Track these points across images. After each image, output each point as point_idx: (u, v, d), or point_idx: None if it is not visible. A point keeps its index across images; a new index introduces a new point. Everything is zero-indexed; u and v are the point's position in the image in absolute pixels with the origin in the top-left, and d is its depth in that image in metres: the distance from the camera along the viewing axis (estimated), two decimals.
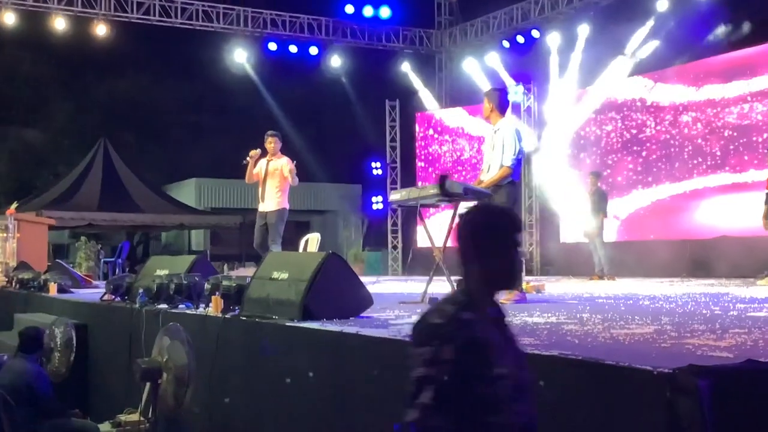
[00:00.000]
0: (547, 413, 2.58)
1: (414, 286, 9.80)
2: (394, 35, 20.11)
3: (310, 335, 4.56)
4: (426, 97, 19.85)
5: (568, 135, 16.66)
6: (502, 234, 2.35)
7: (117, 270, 17.73)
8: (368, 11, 19.53)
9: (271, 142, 9.61)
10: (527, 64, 17.64)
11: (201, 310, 5.95)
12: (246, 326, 5.23)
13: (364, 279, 5.76)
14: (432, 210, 8.26)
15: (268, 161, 9.58)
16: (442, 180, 6.46)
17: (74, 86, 28.78)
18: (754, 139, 13.29)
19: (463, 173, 17.93)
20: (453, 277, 6.77)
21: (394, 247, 20.00)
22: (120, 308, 7.21)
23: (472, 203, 6.79)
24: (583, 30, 16.40)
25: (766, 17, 13.60)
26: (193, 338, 5.32)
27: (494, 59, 18.12)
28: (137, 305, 6.65)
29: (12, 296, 11.00)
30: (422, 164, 19.59)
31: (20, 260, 12.39)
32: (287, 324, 4.81)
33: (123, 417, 6.24)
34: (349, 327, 4.43)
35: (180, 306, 6.26)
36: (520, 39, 18.07)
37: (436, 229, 7.41)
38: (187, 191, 27.73)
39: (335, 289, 5.09)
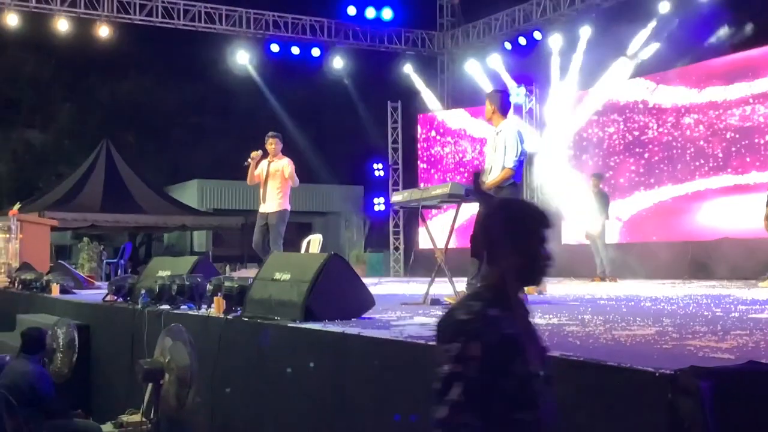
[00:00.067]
0: None
1: (416, 287, 9.81)
2: (396, 37, 20.11)
3: (312, 336, 4.56)
4: (428, 98, 19.86)
5: (569, 137, 16.66)
6: (530, 229, 2.32)
7: (119, 271, 17.76)
8: (370, 13, 19.54)
9: (272, 144, 9.61)
10: (529, 66, 17.64)
11: (203, 311, 5.96)
12: (248, 327, 5.23)
13: (365, 280, 5.77)
14: (434, 211, 8.26)
15: (270, 162, 9.58)
16: (476, 177, 6.52)
17: (77, 87, 28.81)
18: (756, 141, 13.29)
19: (465, 175, 17.94)
20: (455, 278, 6.79)
21: (396, 249, 20.01)
22: (122, 309, 7.22)
23: (474, 204, 6.85)
24: (585, 32, 16.39)
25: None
26: (195, 339, 5.32)
27: (496, 61, 18.12)
28: (139, 306, 6.66)
29: (14, 297, 11.02)
30: (424, 166, 19.60)
31: (23, 261, 12.41)
32: (289, 325, 4.82)
33: (125, 417, 6.24)
34: (351, 328, 4.44)
35: (182, 307, 6.27)
36: (522, 41, 18.07)
37: (438, 230, 7.42)
38: (189, 192, 27.76)
39: (337, 290, 5.10)
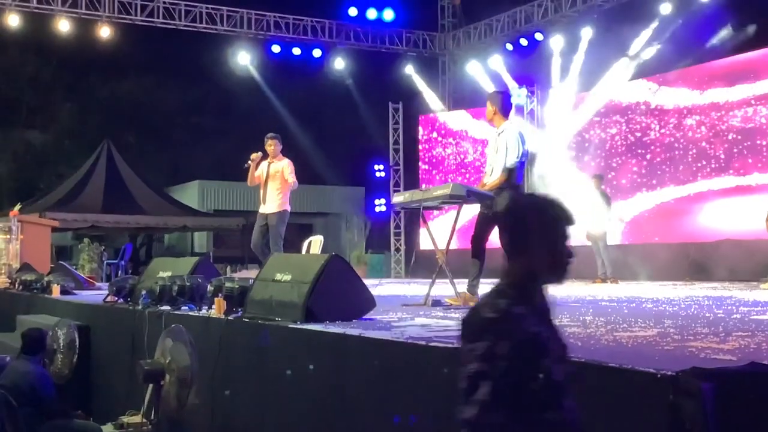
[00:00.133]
0: None
1: (417, 288, 9.81)
2: (398, 38, 20.11)
3: (312, 337, 4.56)
4: (429, 99, 19.86)
5: (571, 138, 16.65)
6: (554, 225, 2.28)
7: (120, 272, 17.74)
8: (372, 14, 19.55)
9: (271, 145, 9.61)
10: (530, 67, 17.65)
11: (204, 311, 5.95)
12: (249, 328, 5.23)
13: (366, 281, 5.76)
14: (435, 212, 8.25)
15: (269, 164, 9.58)
16: (509, 173, 6.59)
17: (78, 88, 28.84)
18: (758, 142, 13.28)
19: (467, 176, 17.94)
20: (456, 279, 6.78)
21: (397, 250, 20.01)
22: (123, 310, 7.21)
23: (476, 205, 6.85)
24: (587, 33, 16.40)
25: None
26: (195, 340, 5.32)
27: (497, 62, 18.12)
28: (140, 307, 6.65)
29: (15, 298, 11.02)
30: (425, 167, 19.60)
31: (23, 262, 12.41)
32: (290, 326, 4.81)
33: (126, 418, 6.23)
34: (352, 329, 4.43)
35: (183, 308, 6.26)
36: (524, 42, 18.08)
37: (439, 231, 7.41)
38: (190, 193, 27.77)
39: (338, 291, 5.09)
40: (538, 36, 17.67)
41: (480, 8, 19.55)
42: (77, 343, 7.42)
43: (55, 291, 9.51)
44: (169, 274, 6.89)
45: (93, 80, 28.68)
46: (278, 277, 5.36)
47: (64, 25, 16.85)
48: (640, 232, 15.06)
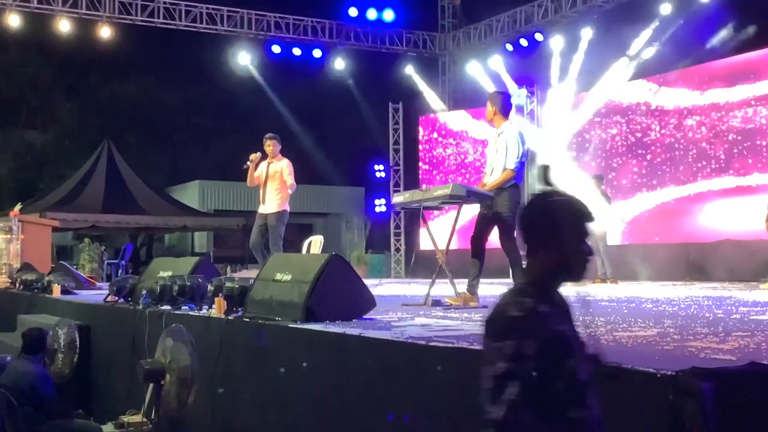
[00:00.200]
0: None
1: (417, 288, 9.82)
2: (398, 38, 20.12)
3: (312, 337, 4.56)
4: (430, 99, 19.87)
5: (571, 138, 16.65)
6: (575, 223, 2.26)
7: (120, 271, 17.75)
8: (372, 14, 19.56)
9: (270, 145, 9.61)
10: (530, 68, 17.64)
11: (204, 311, 5.96)
12: (249, 328, 5.23)
13: (366, 281, 5.76)
14: (435, 213, 8.25)
15: (269, 164, 9.58)
16: (546, 170, 6.54)
17: (78, 88, 28.86)
18: (758, 142, 13.28)
19: (467, 176, 17.94)
20: (456, 279, 6.79)
21: (397, 250, 20.01)
22: (123, 310, 7.22)
23: (476, 205, 6.85)
24: (586, 33, 16.40)
25: None
26: (196, 340, 5.32)
27: (497, 62, 18.12)
28: (140, 307, 6.66)
29: (15, 297, 11.02)
30: (426, 167, 19.60)
31: (24, 262, 12.41)
32: (290, 326, 4.81)
33: (126, 418, 6.23)
34: (352, 329, 4.43)
35: (183, 307, 6.26)
36: (524, 42, 18.09)
37: (439, 231, 7.41)
38: (190, 193, 27.78)
39: (338, 291, 5.09)
40: (538, 36, 17.67)
41: (480, 8, 19.57)
42: (78, 343, 7.42)
43: (56, 291, 9.51)
44: (169, 274, 6.89)
45: (93, 80, 28.68)
46: (278, 276, 5.37)
47: (64, 26, 16.85)
48: (640, 232, 15.06)
